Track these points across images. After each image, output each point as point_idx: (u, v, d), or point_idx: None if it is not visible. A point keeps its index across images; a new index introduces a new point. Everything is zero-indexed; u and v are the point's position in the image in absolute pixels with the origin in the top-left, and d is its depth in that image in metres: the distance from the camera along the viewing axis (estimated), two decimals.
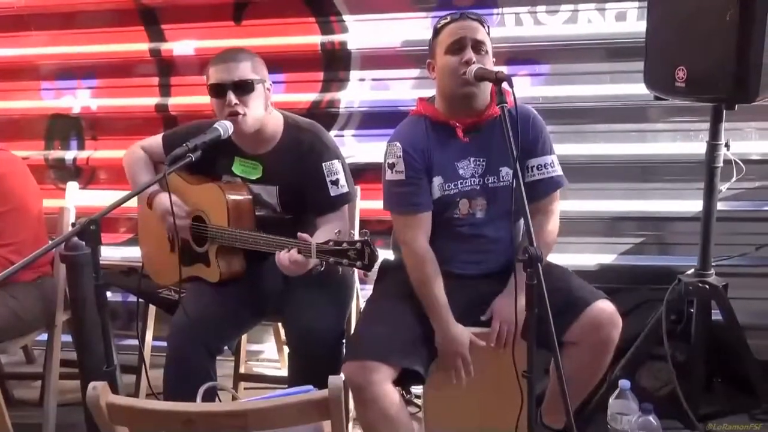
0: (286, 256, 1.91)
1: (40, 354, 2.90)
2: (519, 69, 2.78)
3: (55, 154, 3.24)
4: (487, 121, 2.04)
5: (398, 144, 2.04)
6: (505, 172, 2.05)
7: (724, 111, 2.14)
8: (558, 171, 2.08)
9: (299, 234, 1.89)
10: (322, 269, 1.89)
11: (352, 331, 2.27)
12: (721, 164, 2.19)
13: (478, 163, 2.06)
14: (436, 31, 2.03)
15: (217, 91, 2.10)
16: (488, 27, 2.03)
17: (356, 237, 1.83)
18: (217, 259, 2.19)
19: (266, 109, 2.18)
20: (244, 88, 2.09)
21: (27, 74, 3.21)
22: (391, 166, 2.05)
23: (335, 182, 2.18)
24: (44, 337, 2.64)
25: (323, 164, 2.17)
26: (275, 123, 2.23)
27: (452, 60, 1.95)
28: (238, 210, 2.17)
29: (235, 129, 2.08)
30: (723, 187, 2.23)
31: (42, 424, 2.58)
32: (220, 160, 2.25)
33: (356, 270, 2.42)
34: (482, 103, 2.02)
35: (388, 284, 2.18)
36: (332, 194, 2.17)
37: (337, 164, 2.19)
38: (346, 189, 2.21)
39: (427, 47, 2.11)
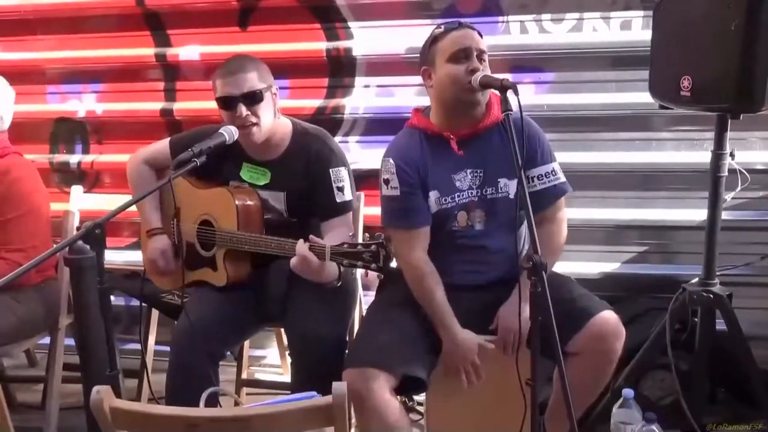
0: (305, 246, 1.86)
1: (42, 357, 2.90)
2: (523, 77, 2.78)
3: (60, 157, 3.26)
4: (483, 131, 2.03)
5: (391, 160, 2.04)
6: (504, 183, 2.04)
7: (729, 120, 2.14)
8: (561, 178, 2.07)
9: (311, 237, 1.88)
10: (339, 285, 1.87)
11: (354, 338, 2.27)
12: (726, 173, 2.18)
13: (475, 174, 2.04)
14: (435, 39, 2.01)
15: (227, 103, 2.10)
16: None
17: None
18: (225, 263, 2.19)
19: (275, 116, 2.18)
20: (253, 98, 2.10)
21: (33, 78, 3.21)
22: (386, 182, 2.05)
23: (341, 189, 2.18)
24: (47, 340, 2.64)
25: (331, 170, 2.18)
26: (283, 129, 2.24)
27: (457, 68, 1.93)
28: (247, 214, 2.17)
29: (247, 140, 2.10)
30: (728, 197, 2.22)
31: (43, 427, 2.58)
32: (227, 165, 2.26)
33: (359, 278, 2.46)
34: (481, 111, 2.02)
35: (389, 292, 2.16)
36: (338, 200, 2.18)
37: (343, 171, 2.20)
38: (350, 197, 2.21)
39: None
